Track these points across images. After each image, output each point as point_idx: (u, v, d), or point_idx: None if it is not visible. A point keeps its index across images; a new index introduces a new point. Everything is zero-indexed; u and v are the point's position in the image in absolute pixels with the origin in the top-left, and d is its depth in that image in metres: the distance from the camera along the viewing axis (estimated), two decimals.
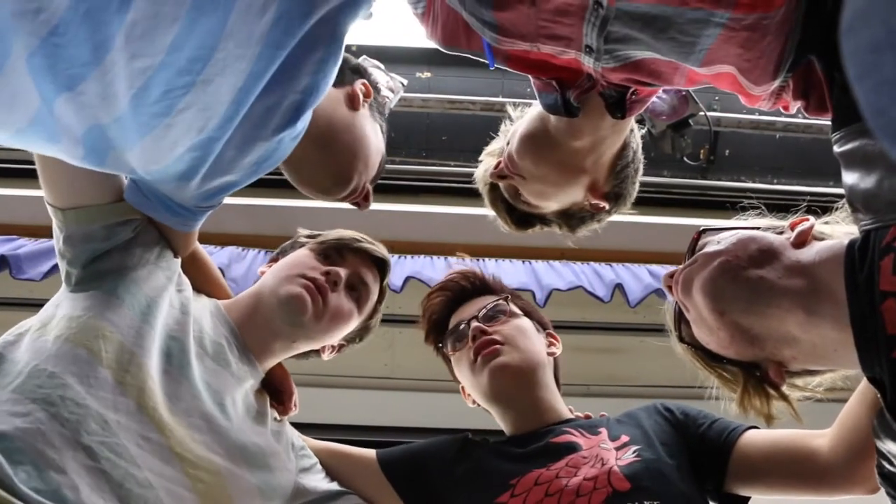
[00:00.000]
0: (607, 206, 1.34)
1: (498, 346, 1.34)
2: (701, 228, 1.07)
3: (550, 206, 1.36)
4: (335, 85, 1.17)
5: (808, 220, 1.00)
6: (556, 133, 1.23)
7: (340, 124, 1.17)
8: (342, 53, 1.02)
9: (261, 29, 0.89)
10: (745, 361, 0.99)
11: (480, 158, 1.47)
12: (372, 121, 1.24)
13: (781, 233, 1.01)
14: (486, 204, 1.47)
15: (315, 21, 0.94)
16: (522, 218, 1.44)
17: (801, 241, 0.95)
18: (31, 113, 0.88)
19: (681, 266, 1.03)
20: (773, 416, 1.01)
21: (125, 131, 0.94)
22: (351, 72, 1.22)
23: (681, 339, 1.07)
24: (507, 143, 1.34)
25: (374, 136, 1.23)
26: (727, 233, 1.03)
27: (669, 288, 1.04)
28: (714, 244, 1.00)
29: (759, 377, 0.99)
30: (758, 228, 1.03)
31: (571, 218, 1.39)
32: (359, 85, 1.21)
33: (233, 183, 1.08)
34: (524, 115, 1.34)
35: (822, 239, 0.97)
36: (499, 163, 1.32)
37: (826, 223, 1.01)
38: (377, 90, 1.27)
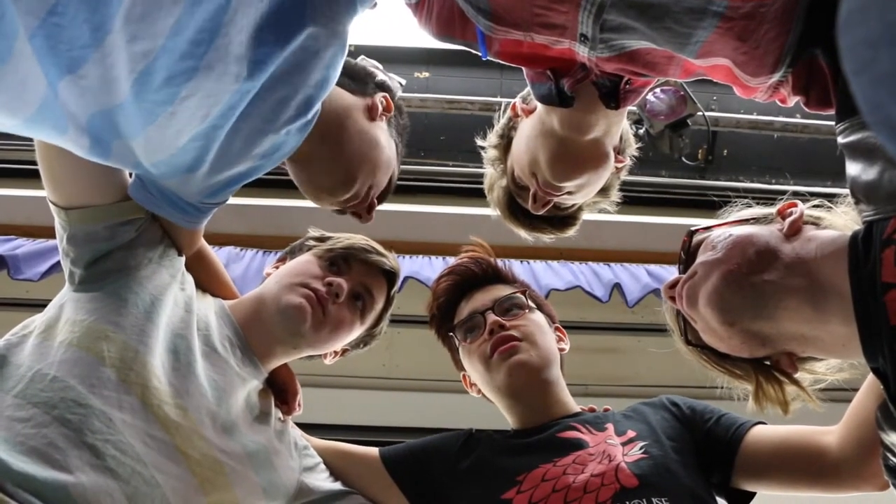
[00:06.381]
0: (626, 160, 1.37)
1: (516, 342, 1.33)
2: (691, 229, 1.06)
3: (592, 193, 1.36)
4: (357, 94, 1.19)
5: (795, 205, 1.00)
6: (572, 135, 1.23)
7: (354, 128, 1.17)
8: (347, 47, 1.02)
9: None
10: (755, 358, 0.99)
11: (485, 184, 1.45)
12: (388, 136, 1.23)
13: (771, 221, 1.00)
14: (522, 229, 1.45)
15: (324, 15, 0.93)
16: (566, 220, 1.43)
17: (794, 230, 0.95)
18: (39, 98, 0.86)
19: (682, 278, 1.02)
20: (789, 402, 1.01)
21: (129, 119, 0.93)
22: (375, 86, 1.23)
23: (687, 343, 1.06)
24: (512, 166, 1.34)
25: (386, 148, 1.23)
26: (719, 232, 1.02)
27: (672, 299, 1.03)
28: (709, 249, 0.99)
29: (769, 367, 0.99)
30: (747, 221, 1.03)
31: (609, 189, 1.40)
32: (379, 98, 1.21)
33: (240, 176, 1.07)
34: (519, 130, 1.33)
35: (814, 223, 0.97)
36: (535, 194, 1.30)
37: (815, 206, 1.00)
38: (399, 111, 1.27)
